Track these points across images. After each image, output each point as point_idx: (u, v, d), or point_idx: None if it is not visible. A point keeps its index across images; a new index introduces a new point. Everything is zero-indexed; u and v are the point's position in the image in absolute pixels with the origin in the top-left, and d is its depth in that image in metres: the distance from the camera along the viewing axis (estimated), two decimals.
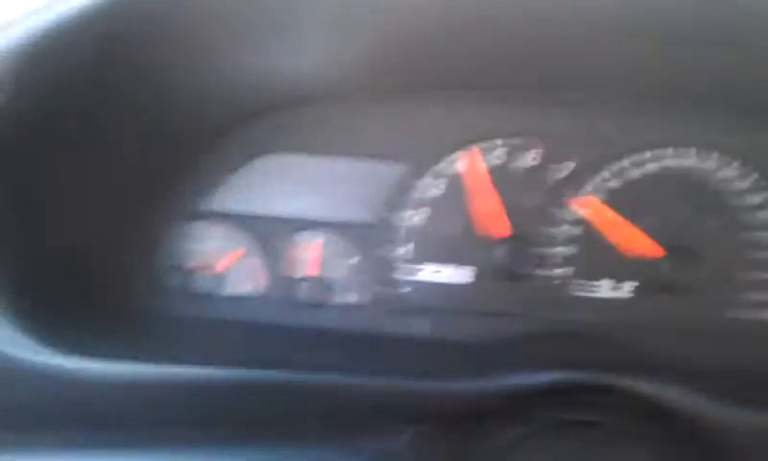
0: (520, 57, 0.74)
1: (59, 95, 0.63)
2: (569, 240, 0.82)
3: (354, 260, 0.84)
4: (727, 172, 0.80)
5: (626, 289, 0.81)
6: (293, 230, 0.84)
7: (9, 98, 0.58)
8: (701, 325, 0.80)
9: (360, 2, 0.67)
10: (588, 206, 0.81)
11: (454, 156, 0.82)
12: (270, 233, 0.84)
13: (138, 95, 0.71)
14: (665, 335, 0.79)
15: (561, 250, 0.82)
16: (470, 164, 0.82)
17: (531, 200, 0.81)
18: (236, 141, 0.83)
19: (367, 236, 0.84)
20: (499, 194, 0.81)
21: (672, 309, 0.81)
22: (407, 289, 0.84)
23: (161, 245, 0.84)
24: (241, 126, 0.82)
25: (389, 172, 0.83)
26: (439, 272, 0.83)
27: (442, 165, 0.82)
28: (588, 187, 0.81)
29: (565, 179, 0.81)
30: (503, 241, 0.82)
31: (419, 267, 0.84)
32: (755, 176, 0.79)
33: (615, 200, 0.80)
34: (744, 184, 0.80)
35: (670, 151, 0.80)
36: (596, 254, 0.81)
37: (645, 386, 0.66)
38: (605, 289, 0.82)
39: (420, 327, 0.83)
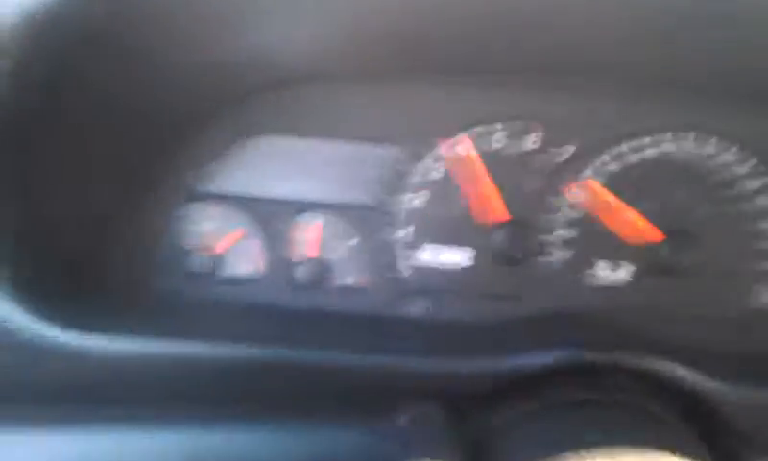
0: (520, 40, 0.74)
1: (60, 67, 0.63)
2: (568, 224, 0.82)
3: (354, 242, 0.84)
4: (725, 157, 0.80)
5: (624, 273, 0.82)
6: (292, 211, 0.84)
7: (14, 63, 0.58)
8: (700, 309, 0.80)
9: None
10: (587, 189, 0.81)
11: (453, 139, 0.82)
12: (269, 215, 0.84)
13: (129, 76, 0.71)
14: (664, 319, 0.79)
15: (560, 234, 0.82)
16: (469, 148, 0.82)
17: (530, 184, 0.82)
18: (233, 122, 0.83)
19: (366, 219, 0.84)
20: (498, 178, 0.81)
21: (671, 293, 0.81)
22: (406, 271, 0.84)
23: (160, 225, 0.84)
24: (237, 107, 0.82)
25: (388, 155, 0.82)
26: (438, 255, 0.83)
27: (441, 149, 0.82)
28: (588, 171, 0.81)
29: (565, 162, 0.81)
30: (502, 225, 0.82)
31: (418, 250, 0.84)
32: (753, 161, 0.80)
33: (615, 184, 0.81)
34: (743, 170, 0.80)
35: (669, 136, 0.80)
36: (595, 238, 0.81)
37: (645, 365, 0.66)
38: (603, 273, 0.82)
39: (419, 308, 0.83)
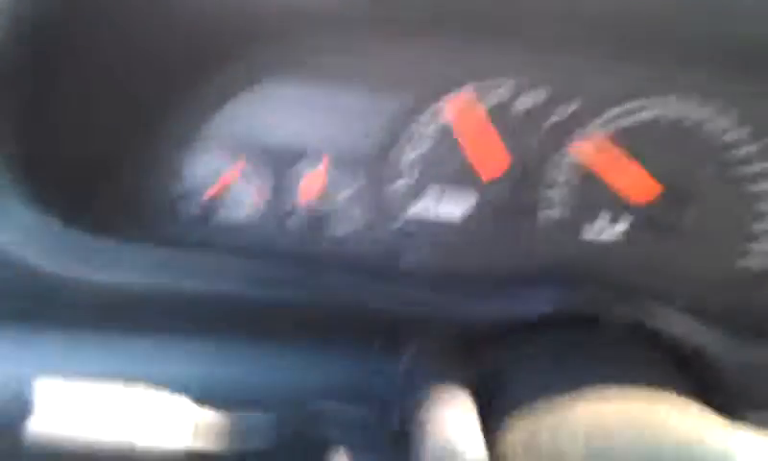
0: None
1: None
2: (569, 179, 0.82)
3: (352, 191, 0.84)
4: (723, 121, 0.81)
5: (622, 229, 0.83)
6: (290, 158, 0.83)
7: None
8: (696, 268, 0.82)
9: None
10: (589, 145, 0.81)
11: (458, 91, 0.81)
12: (269, 161, 0.83)
13: (131, 21, 0.70)
14: (661, 276, 0.81)
15: (560, 188, 0.82)
16: (474, 101, 0.81)
17: (533, 138, 0.82)
18: (234, 67, 0.81)
19: (366, 168, 0.83)
20: (501, 132, 0.81)
21: (667, 251, 0.82)
22: (406, 221, 0.84)
23: (159, 167, 0.83)
24: (242, 52, 0.80)
25: (391, 104, 0.82)
26: (437, 206, 0.83)
27: (444, 101, 0.82)
28: (591, 128, 0.81)
29: (568, 118, 0.81)
30: (503, 178, 0.82)
31: (416, 200, 0.84)
32: (749, 127, 0.81)
33: (617, 141, 0.81)
34: (740, 134, 0.81)
35: (671, 97, 0.81)
36: (595, 194, 0.82)
37: (642, 317, 0.68)
38: (601, 228, 0.83)
39: (417, 258, 0.84)
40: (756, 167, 0.81)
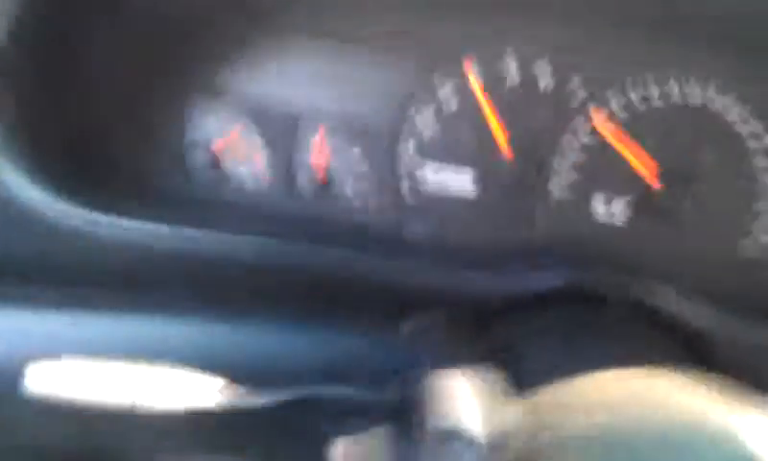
0: None
1: None
2: (574, 157, 0.82)
3: (358, 154, 0.83)
4: (727, 100, 0.81)
5: (626, 210, 0.83)
6: (300, 117, 0.82)
7: None
8: (700, 249, 0.82)
9: None
10: (594, 122, 0.81)
11: (465, 59, 0.80)
12: (276, 119, 0.82)
13: None
14: (664, 257, 0.81)
15: (564, 166, 0.82)
16: (479, 73, 0.81)
17: (537, 113, 0.81)
18: (247, 21, 0.80)
19: (373, 131, 0.82)
20: (506, 105, 0.81)
21: (672, 232, 0.82)
22: (411, 188, 0.83)
23: (167, 119, 0.82)
24: (255, 4, 0.79)
25: (400, 67, 0.81)
26: (443, 176, 0.83)
27: (452, 67, 0.80)
28: (595, 104, 0.81)
29: (573, 93, 0.81)
30: (507, 152, 0.81)
31: (422, 167, 0.83)
32: (749, 107, 0.81)
33: (621, 119, 0.81)
34: (745, 112, 0.81)
35: (673, 75, 0.81)
36: (598, 172, 0.82)
37: (644, 296, 0.69)
38: (603, 208, 0.83)
39: (424, 227, 0.83)
40: (759, 144, 0.81)
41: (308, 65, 0.81)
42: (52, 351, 0.61)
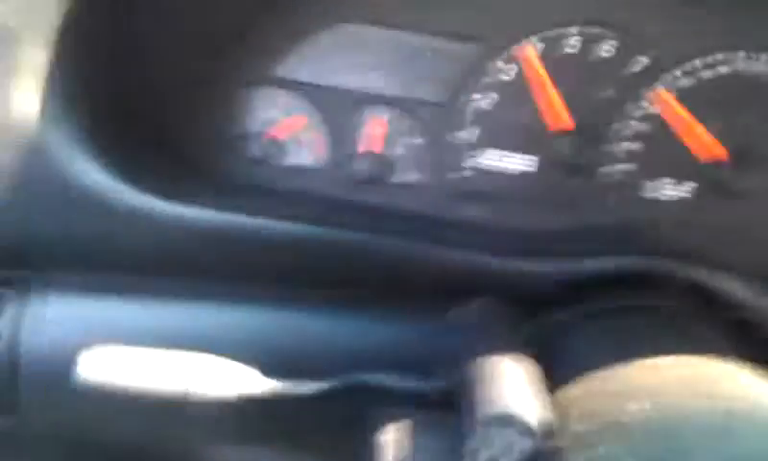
0: None
1: None
2: (635, 136, 0.81)
3: (418, 140, 0.84)
4: None
5: (686, 190, 0.82)
6: (358, 104, 0.83)
7: None
8: (760, 233, 0.81)
9: None
10: (657, 102, 0.80)
11: (526, 41, 0.79)
12: (334, 105, 0.83)
13: None
14: (723, 240, 0.80)
15: (626, 145, 0.81)
16: (541, 52, 0.80)
17: (600, 92, 0.80)
18: (307, 8, 0.80)
19: (432, 116, 0.82)
20: (568, 85, 0.80)
21: (731, 215, 0.81)
22: (469, 173, 0.84)
23: (230, 106, 0.83)
24: None
25: (460, 52, 0.80)
26: (501, 159, 0.83)
27: (513, 51, 0.80)
28: (660, 84, 0.79)
29: (637, 73, 0.79)
30: (568, 133, 0.81)
31: (482, 152, 0.83)
32: None
33: (685, 99, 0.79)
34: None
35: (742, 54, 0.78)
36: (661, 153, 0.81)
37: (704, 276, 0.68)
38: (665, 188, 0.82)
39: (480, 211, 0.84)
40: None
41: (368, 53, 0.81)
42: (108, 337, 0.63)
